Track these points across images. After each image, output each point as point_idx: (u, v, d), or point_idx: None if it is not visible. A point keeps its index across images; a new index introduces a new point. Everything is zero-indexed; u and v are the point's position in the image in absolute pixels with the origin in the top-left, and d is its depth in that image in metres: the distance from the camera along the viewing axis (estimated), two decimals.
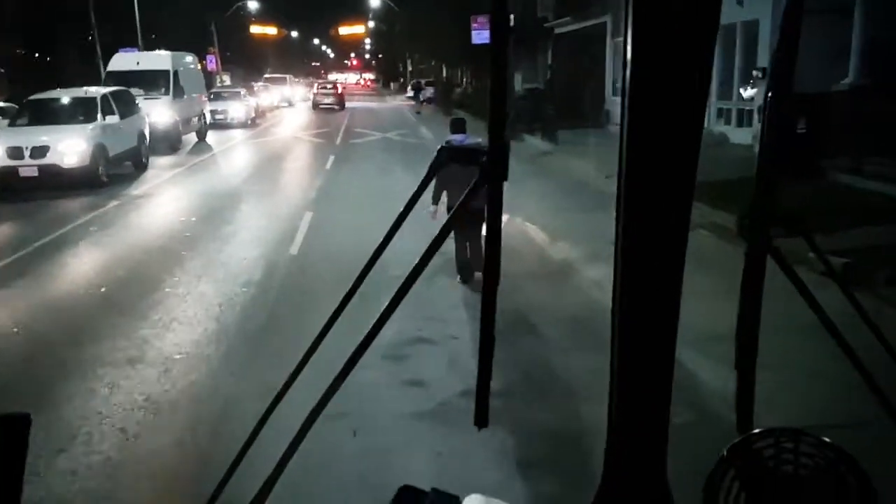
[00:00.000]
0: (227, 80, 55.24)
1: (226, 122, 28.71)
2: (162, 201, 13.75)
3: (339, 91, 42.12)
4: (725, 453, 0.95)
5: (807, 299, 1.00)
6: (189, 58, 24.55)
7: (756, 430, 0.98)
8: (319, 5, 78.17)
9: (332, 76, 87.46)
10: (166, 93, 20.99)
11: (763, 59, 14.85)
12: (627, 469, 0.96)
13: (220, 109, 28.81)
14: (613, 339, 0.92)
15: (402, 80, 53.46)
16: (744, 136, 15.74)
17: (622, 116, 0.84)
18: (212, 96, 29.95)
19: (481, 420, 0.99)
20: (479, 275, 6.37)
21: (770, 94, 1.00)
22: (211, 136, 25.62)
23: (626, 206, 0.86)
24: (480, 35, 24.59)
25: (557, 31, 27.26)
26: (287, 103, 45.07)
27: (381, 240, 0.97)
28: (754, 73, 14.84)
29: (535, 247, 9.48)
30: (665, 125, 0.83)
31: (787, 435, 0.95)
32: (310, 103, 43.38)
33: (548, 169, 16.24)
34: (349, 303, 0.99)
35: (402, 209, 0.97)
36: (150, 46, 48.95)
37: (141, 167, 17.17)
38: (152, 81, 21.04)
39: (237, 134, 27.14)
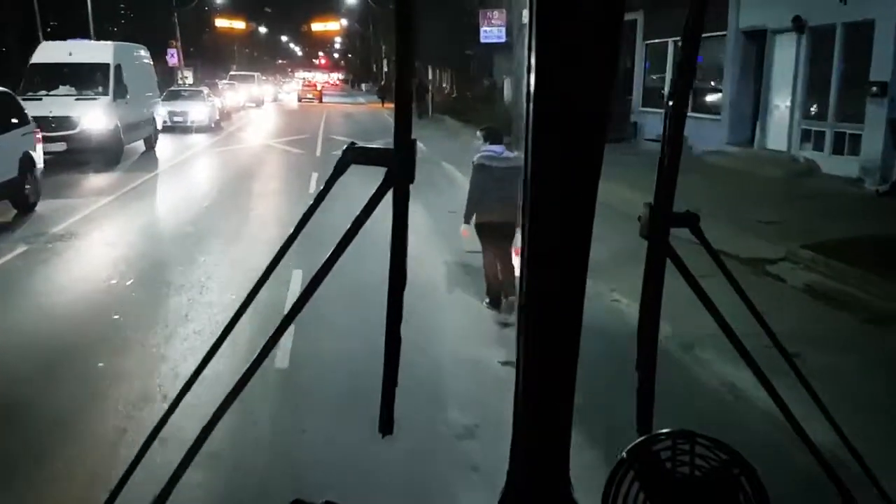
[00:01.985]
0: (189, 77, 50.70)
1: (185, 126, 24.39)
2: (85, 247, 9.58)
3: (319, 89, 50.94)
4: (625, 455, 0.95)
5: (703, 300, 1.00)
6: (141, 51, 20.01)
7: (655, 433, 0.97)
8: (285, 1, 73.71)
9: (300, 74, 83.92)
10: (104, 92, 16.36)
11: (880, 70, 11.38)
12: (531, 469, 0.98)
13: (179, 111, 24.47)
14: (519, 345, 0.94)
15: (381, 81, 49.38)
16: (842, 167, 12.26)
17: (526, 125, 0.85)
18: (169, 95, 25.65)
19: (386, 427, 0.95)
20: (512, 299, 6.20)
21: (671, 104, 1.01)
22: (167, 143, 21.35)
23: (532, 212, 0.88)
24: (489, 34, 20.69)
25: None
26: (255, 104, 40.69)
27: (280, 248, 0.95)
28: (873, 89, 11.35)
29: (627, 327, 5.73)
30: (568, 132, 0.84)
31: (683, 437, 0.95)
32: (278, 104, 44.87)
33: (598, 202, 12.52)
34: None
35: (300, 218, 0.92)
36: (106, 38, 44.47)
37: (23, 205, 11.14)
38: (88, 78, 16.52)
39: (198, 140, 22.82)
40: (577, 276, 0.90)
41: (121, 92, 16.81)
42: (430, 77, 34.07)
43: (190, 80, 48.02)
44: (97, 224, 10.79)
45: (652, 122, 18.60)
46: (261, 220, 11.36)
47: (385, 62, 55.16)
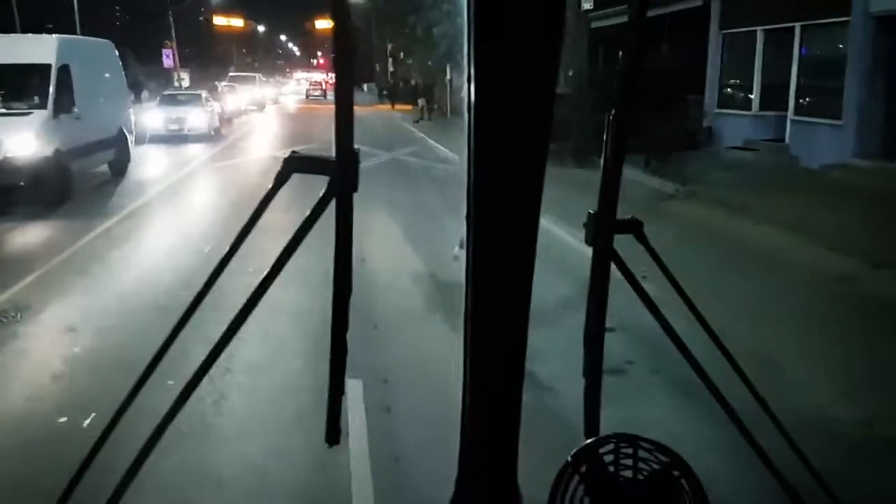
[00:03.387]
0: (186, 79, 47.44)
1: (182, 135, 21.10)
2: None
3: (324, 87, 51.77)
4: (570, 459, 0.95)
5: (645, 303, 1.00)
6: (103, 47, 15.41)
7: (598, 437, 0.98)
8: None
9: (298, 75, 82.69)
10: (41, 104, 11.81)
11: None
12: (480, 471, 0.98)
13: (174, 118, 21.16)
14: (465, 347, 0.94)
15: (389, 81, 46.25)
16: None
17: (468, 133, 0.85)
18: (163, 100, 22.39)
19: (332, 436, 0.95)
20: None
21: (614, 110, 1.00)
22: (157, 157, 18.11)
23: (476, 209, 0.87)
24: None
25: (595, 24, 20.41)
26: (256, 107, 37.40)
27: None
28: None
29: None
30: (511, 138, 0.84)
31: (626, 440, 0.96)
32: (279, 107, 42.74)
33: (710, 238, 9.45)
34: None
35: (244, 225, 0.92)
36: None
37: None
38: (19, 85, 12.18)
39: (195, 153, 19.51)
40: (523, 276, 0.90)
41: (65, 103, 12.25)
42: (448, 76, 30.85)
43: (187, 83, 44.88)
44: (15, 324, 6.34)
45: (733, 126, 15.46)
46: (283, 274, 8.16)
47: (391, 61, 52.05)
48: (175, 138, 21.02)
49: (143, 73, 45.84)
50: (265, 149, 21.00)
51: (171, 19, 42.10)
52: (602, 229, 1.00)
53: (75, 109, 12.54)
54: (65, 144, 11.97)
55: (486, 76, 0.81)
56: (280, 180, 0.89)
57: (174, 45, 44.11)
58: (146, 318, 5.98)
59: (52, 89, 11.98)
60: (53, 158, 11.60)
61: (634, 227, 1.03)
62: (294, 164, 0.88)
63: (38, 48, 12.67)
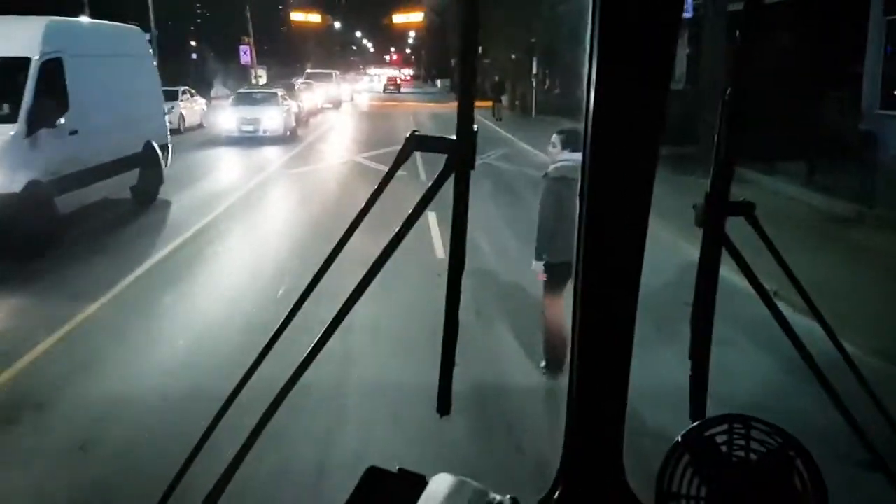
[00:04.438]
0: (263, 76, 46.41)
1: (257, 136, 19.41)
2: None
3: (398, 83, 61.28)
4: (680, 440, 0.94)
5: (758, 291, 1.00)
6: (124, 34, 11.79)
7: (709, 417, 0.96)
8: None
9: (372, 71, 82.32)
10: (9, 117, 8.34)
11: None
12: (586, 455, 0.99)
13: (249, 118, 19.49)
14: (574, 331, 0.96)
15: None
16: None
17: (585, 131, 0.89)
18: (238, 99, 20.74)
19: (444, 407, 0.96)
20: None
21: (728, 90, 0.98)
22: (226, 161, 16.40)
23: (589, 205, 0.91)
24: None
25: (734, 5, 17.53)
26: (332, 105, 35.78)
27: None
28: None
29: None
30: (629, 138, 0.87)
31: (739, 421, 0.94)
32: (353, 104, 41.59)
33: None
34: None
35: (365, 202, 0.95)
36: (178, 37, 40.38)
37: None
38: None
39: (268, 157, 17.69)
40: (632, 267, 0.92)
41: (48, 113, 8.66)
42: (534, 71, 28.39)
43: (264, 80, 43.82)
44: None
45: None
46: (387, 334, 5.98)
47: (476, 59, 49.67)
48: (250, 140, 19.36)
49: (220, 70, 45.17)
50: (342, 152, 19.04)
51: (249, 14, 40.91)
52: (713, 211, 0.98)
53: (62, 121, 8.93)
54: (47, 172, 8.57)
55: (606, 79, 0.84)
56: (402, 156, 0.92)
57: (251, 40, 43.03)
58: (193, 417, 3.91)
59: (27, 95, 8.42)
60: (24, 195, 8.09)
61: (746, 210, 1.00)
62: (416, 143, 0.91)
63: (17, 35, 9.07)
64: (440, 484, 0.94)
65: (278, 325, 0.97)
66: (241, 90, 23.36)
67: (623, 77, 0.84)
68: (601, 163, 0.89)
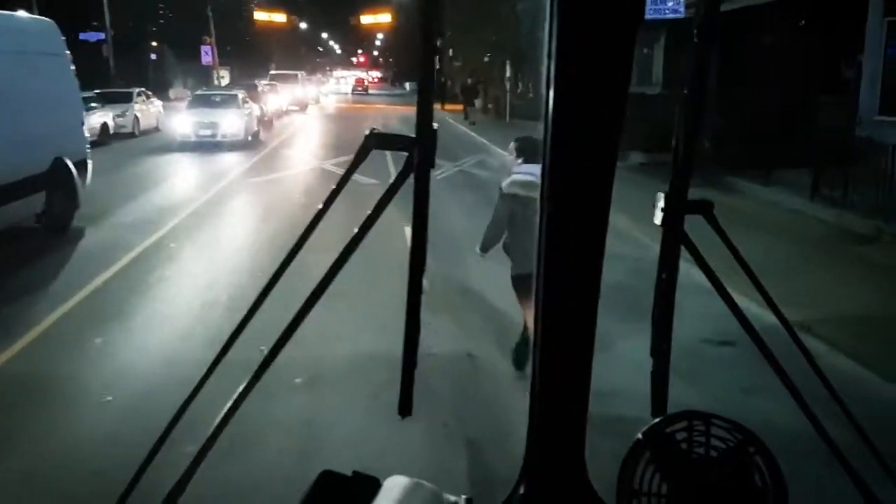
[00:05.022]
0: (226, 77, 44.72)
1: (215, 142, 17.96)
2: None
3: (366, 84, 61.10)
4: (640, 437, 0.94)
5: (715, 285, 0.99)
6: (26, 28, 9.88)
7: (670, 414, 0.96)
8: None
9: (338, 73, 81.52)
10: None
11: None
12: (548, 453, 0.98)
13: (206, 122, 18.03)
14: (536, 330, 0.97)
15: (440, 79, 42.90)
16: None
17: (545, 139, 0.89)
18: (194, 101, 19.27)
19: (405, 409, 0.96)
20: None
21: (686, 92, 1.00)
22: (178, 172, 14.95)
23: (549, 204, 0.90)
24: (660, 7, 13.66)
25: (728, 5, 16.55)
26: (298, 107, 34.32)
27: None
28: None
29: None
30: (588, 144, 0.87)
31: (699, 418, 0.94)
32: (320, 107, 39.68)
33: None
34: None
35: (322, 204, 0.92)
36: (137, 36, 38.56)
37: None
38: None
39: (227, 165, 16.29)
40: (592, 268, 0.92)
41: None
42: (507, 74, 27.32)
43: (227, 80, 42.17)
44: None
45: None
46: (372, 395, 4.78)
47: (437, 59, 48.56)
48: (207, 146, 17.89)
49: (181, 71, 43.33)
50: (308, 158, 17.73)
51: (210, 13, 39.20)
52: (672, 210, 0.98)
53: None
54: None
55: (566, 77, 0.83)
56: (361, 155, 0.91)
57: (213, 40, 41.31)
58: None
59: None
60: None
61: (705, 208, 1.01)
62: (375, 140, 0.90)
63: None
64: (394, 486, 0.92)
65: (227, 338, 0.94)
66: (199, 92, 21.88)
67: (581, 78, 0.84)
68: (561, 162, 0.88)
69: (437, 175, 11.18)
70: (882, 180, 9.96)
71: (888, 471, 1.00)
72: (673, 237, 0.99)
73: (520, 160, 4.59)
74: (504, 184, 4.55)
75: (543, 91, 0.86)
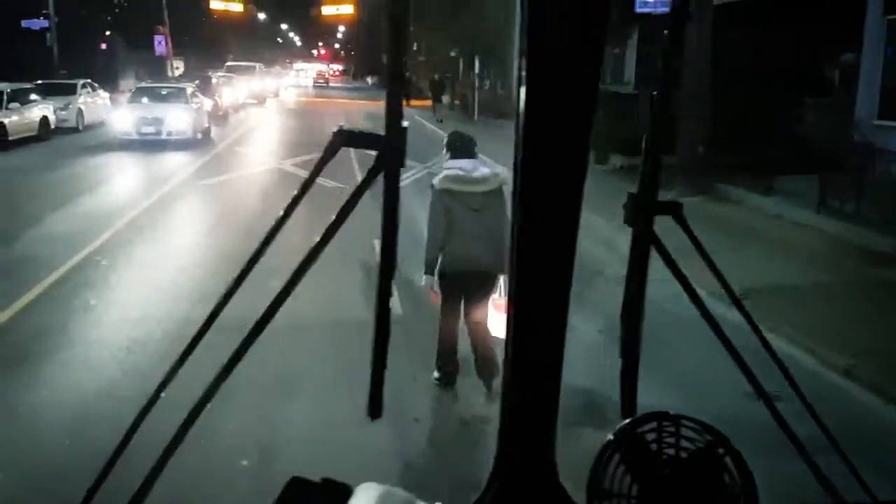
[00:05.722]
0: (181, 68, 42.52)
1: (160, 140, 16.28)
2: None
3: (327, 77, 61.28)
4: (611, 437, 0.94)
5: (683, 286, 0.99)
6: None
7: (640, 415, 0.96)
8: None
9: (298, 66, 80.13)
10: None
11: None
12: (518, 454, 0.97)
13: (150, 118, 16.30)
14: (508, 329, 0.95)
15: (408, 75, 41.42)
16: None
17: (516, 137, 0.88)
18: (136, 94, 17.60)
19: (375, 410, 0.93)
20: (495, 382, 4.62)
21: (657, 92, 1.02)
22: (113, 178, 13.48)
23: (521, 203, 0.89)
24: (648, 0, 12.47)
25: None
26: (256, 100, 32.57)
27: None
28: None
29: None
30: (560, 141, 0.86)
31: (668, 419, 0.94)
32: (279, 100, 38.04)
33: None
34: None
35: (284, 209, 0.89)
36: (81, 26, 36.24)
37: None
38: None
39: (173, 166, 14.69)
40: (564, 267, 0.91)
41: None
42: (476, 71, 26.13)
43: (181, 71, 40.04)
44: None
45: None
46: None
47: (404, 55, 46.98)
48: (150, 144, 16.20)
49: (134, 61, 41.02)
50: (268, 156, 16.24)
51: (164, 2, 36.98)
52: (641, 210, 0.98)
53: None
54: None
55: (537, 75, 0.83)
56: (329, 153, 0.87)
57: (167, 30, 39.11)
58: None
59: None
60: None
61: (673, 209, 1.00)
62: (344, 138, 0.88)
63: None
64: (366, 493, 0.90)
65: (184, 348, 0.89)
66: (141, 84, 20.12)
67: (551, 75, 0.83)
68: (533, 161, 0.88)
69: (406, 177, 9.80)
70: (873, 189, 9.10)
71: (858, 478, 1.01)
72: (643, 238, 0.98)
73: (448, 155, 4.70)
74: (435, 180, 4.58)
75: (514, 89, 0.84)
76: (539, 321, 0.92)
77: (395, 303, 6.07)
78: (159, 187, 12.12)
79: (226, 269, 7.55)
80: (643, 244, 0.98)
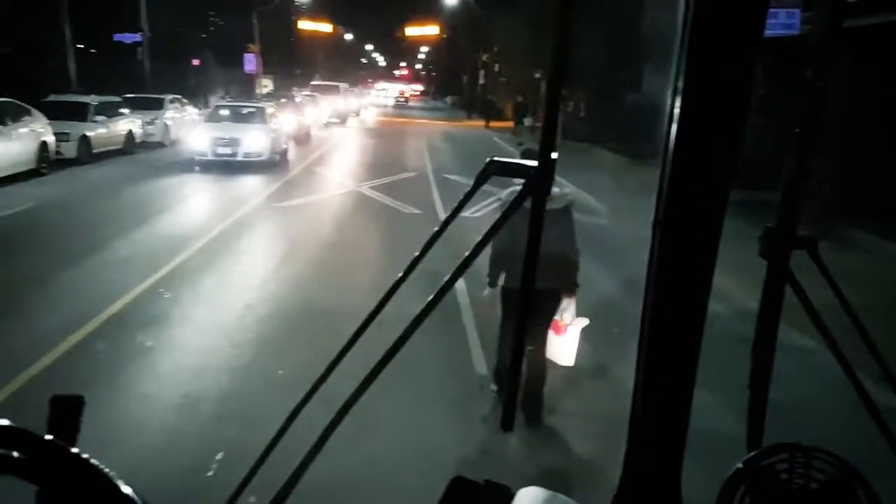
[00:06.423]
0: (269, 85, 43.14)
1: (235, 162, 15.78)
2: None
3: (407, 97, 61.18)
4: (740, 466, 0.91)
5: (818, 327, 0.96)
6: None
7: (769, 446, 0.93)
8: (376, 4, 65.50)
9: (380, 86, 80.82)
10: None
11: None
12: (644, 479, 0.95)
13: (226, 139, 15.77)
14: (640, 352, 0.92)
15: (487, 96, 40.80)
16: None
17: (665, 145, 0.86)
18: (214, 114, 17.35)
19: (507, 424, 0.94)
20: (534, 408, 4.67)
21: (801, 126, 0.97)
22: (189, 188, 13.07)
23: (665, 217, 0.87)
24: (774, 21, 11.15)
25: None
26: (338, 119, 32.44)
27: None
28: None
29: None
30: (709, 155, 0.84)
31: (800, 451, 0.91)
32: (360, 120, 37.54)
33: None
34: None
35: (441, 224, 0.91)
36: (174, 41, 37.19)
37: None
38: None
39: (246, 191, 14.17)
40: (702, 288, 0.88)
41: None
42: (563, 93, 25.05)
43: (270, 89, 40.55)
44: None
45: None
46: None
47: (482, 74, 46.43)
48: (226, 166, 15.73)
49: (224, 78, 41.87)
50: (347, 178, 15.60)
51: (255, 21, 37.58)
52: (777, 243, 0.96)
53: None
54: None
55: (691, 95, 0.82)
56: (480, 180, 0.89)
57: (258, 48, 39.73)
58: None
59: None
60: None
61: (810, 243, 0.98)
62: (495, 167, 0.89)
63: None
64: (528, 496, 0.90)
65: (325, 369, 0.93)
66: (219, 103, 19.88)
67: (706, 93, 0.82)
68: (680, 174, 0.86)
69: (492, 205, 8.67)
70: None
71: None
72: (777, 272, 0.96)
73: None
74: (504, 194, 4.43)
75: (668, 101, 0.84)
76: (674, 335, 0.89)
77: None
78: (234, 210, 11.56)
79: (291, 307, 6.80)
80: (778, 278, 0.96)
